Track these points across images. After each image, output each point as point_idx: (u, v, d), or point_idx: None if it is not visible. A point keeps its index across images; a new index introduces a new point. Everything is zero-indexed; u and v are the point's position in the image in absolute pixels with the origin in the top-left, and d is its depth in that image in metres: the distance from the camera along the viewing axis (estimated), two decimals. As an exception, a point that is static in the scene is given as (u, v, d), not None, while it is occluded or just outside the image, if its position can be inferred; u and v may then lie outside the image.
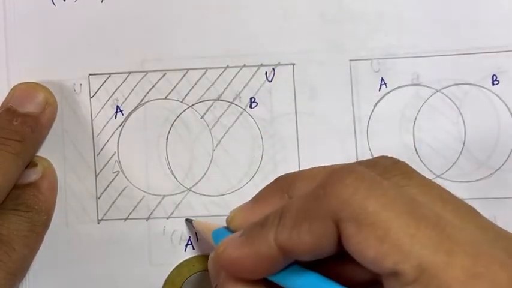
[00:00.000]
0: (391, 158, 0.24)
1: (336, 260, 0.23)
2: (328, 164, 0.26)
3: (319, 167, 0.26)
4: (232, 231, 0.27)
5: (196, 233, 0.32)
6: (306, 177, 0.26)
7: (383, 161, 0.24)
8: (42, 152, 0.32)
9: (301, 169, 0.32)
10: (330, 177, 0.22)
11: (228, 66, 0.32)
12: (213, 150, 0.32)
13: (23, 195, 0.30)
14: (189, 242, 0.32)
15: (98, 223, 0.32)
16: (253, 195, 0.32)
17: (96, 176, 0.32)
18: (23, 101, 0.30)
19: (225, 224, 0.28)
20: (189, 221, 0.32)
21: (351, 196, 0.21)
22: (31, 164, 0.31)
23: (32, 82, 0.32)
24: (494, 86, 0.31)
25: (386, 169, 0.23)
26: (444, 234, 0.20)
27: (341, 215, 0.21)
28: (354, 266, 0.22)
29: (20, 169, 0.30)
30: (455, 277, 0.19)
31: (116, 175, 0.32)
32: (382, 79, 0.32)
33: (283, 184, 0.27)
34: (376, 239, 0.20)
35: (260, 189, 0.32)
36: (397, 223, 0.20)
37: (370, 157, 0.31)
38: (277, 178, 0.27)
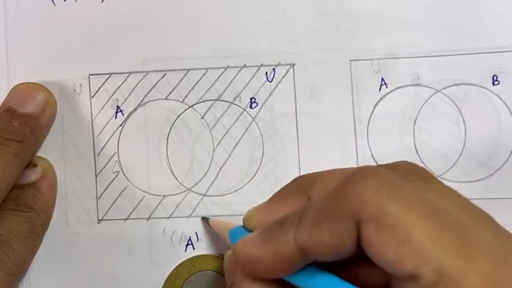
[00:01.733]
0: (411, 163, 0.24)
1: (352, 262, 0.23)
2: (339, 166, 0.26)
3: (339, 168, 0.26)
4: (249, 231, 0.27)
5: (208, 232, 0.32)
6: (325, 177, 0.26)
7: (403, 165, 0.24)
8: (42, 152, 0.32)
9: (302, 169, 0.32)
10: (351, 178, 0.22)
11: (228, 67, 0.32)
12: (213, 151, 0.32)
13: (22, 196, 0.30)
14: (189, 242, 0.32)
15: (98, 223, 0.32)
16: (254, 195, 0.32)
17: (96, 176, 0.32)
18: (22, 101, 0.30)
19: (241, 223, 0.28)
20: (205, 219, 0.32)
21: (372, 197, 0.20)
22: (31, 164, 0.31)
23: (32, 82, 0.32)
24: (495, 86, 0.31)
25: (406, 173, 0.23)
26: (465, 240, 0.20)
27: (362, 215, 0.21)
28: (370, 268, 0.21)
29: (20, 169, 0.30)
30: (474, 283, 0.19)
31: (116, 175, 0.32)
32: (382, 79, 0.32)
33: (301, 184, 0.26)
34: (396, 241, 0.20)
35: (260, 189, 0.32)
36: (418, 226, 0.20)
37: (371, 157, 0.32)
38: (296, 178, 0.27)
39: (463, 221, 0.21)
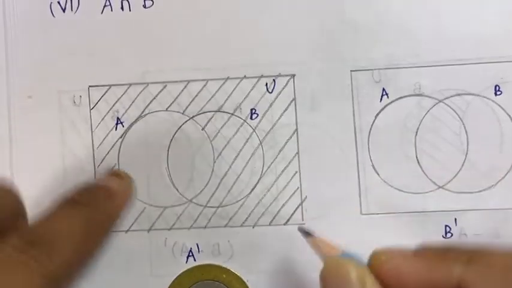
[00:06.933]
0: None
1: None
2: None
3: (499, 252, 0.22)
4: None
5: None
6: (485, 262, 0.22)
7: None
8: (42, 163, 0.32)
9: (303, 180, 0.32)
10: None
11: (228, 78, 0.32)
12: (214, 162, 0.32)
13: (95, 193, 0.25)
14: (190, 254, 0.32)
15: (99, 234, 0.32)
16: (255, 206, 0.32)
17: (97, 188, 0.32)
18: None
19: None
20: (303, 232, 0.27)
21: None
22: (118, 175, 0.26)
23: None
24: (497, 96, 0.31)
25: None
26: None
27: None
28: None
29: None
30: None
31: (117, 186, 0.32)
32: (383, 89, 0.32)
33: (452, 259, 0.23)
34: None
35: (261, 200, 0.32)
36: None
37: (372, 168, 0.31)
38: (447, 249, 0.24)
39: None
